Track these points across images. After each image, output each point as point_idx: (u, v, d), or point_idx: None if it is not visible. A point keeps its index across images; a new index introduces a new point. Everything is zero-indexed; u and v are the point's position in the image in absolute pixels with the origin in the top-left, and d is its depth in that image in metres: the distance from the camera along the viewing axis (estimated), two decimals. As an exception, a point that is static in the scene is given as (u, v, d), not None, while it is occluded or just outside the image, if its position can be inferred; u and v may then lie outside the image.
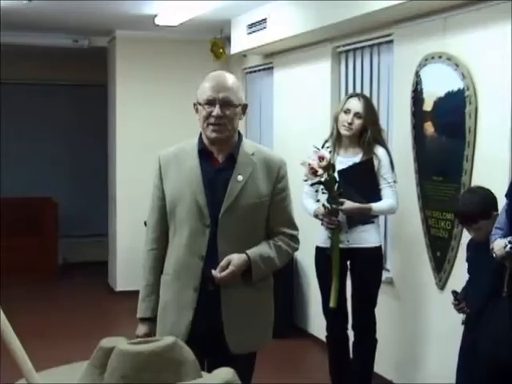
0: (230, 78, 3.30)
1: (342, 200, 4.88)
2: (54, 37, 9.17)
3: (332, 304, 4.99)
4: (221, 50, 8.51)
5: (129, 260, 9.02)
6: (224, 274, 3.16)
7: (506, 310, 3.65)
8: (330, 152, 4.90)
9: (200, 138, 3.35)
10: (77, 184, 11.26)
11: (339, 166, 5.00)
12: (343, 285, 5.16)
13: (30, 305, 8.26)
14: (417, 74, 5.27)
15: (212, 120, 3.22)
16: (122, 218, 9.14)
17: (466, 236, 4.67)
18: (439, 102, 5.06)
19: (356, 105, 5.03)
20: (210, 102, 3.22)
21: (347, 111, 5.03)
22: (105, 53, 9.74)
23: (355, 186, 4.95)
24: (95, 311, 8.41)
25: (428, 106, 5.17)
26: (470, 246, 4.23)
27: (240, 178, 3.25)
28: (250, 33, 7.46)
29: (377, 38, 5.99)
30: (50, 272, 10.01)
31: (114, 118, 9.26)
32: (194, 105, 3.32)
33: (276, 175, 3.32)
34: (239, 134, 3.38)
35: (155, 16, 7.64)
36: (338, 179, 4.90)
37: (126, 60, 9.09)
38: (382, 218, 6.01)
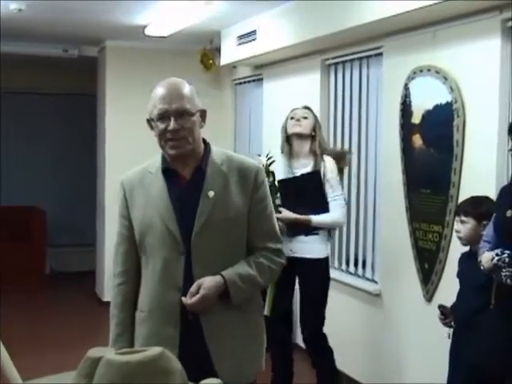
0: (181, 84, 2.96)
1: (280, 209, 4.97)
2: (43, 46, 9.15)
3: (266, 312, 5.04)
4: (210, 61, 8.52)
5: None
6: (194, 299, 2.81)
7: (494, 322, 3.67)
8: (272, 162, 5.04)
9: (163, 157, 3.03)
10: (65, 193, 11.24)
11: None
12: (290, 295, 5.25)
13: (16, 314, 8.22)
14: (405, 87, 5.29)
15: (169, 135, 2.89)
16: (110, 228, 9.11)
17: (455, 249, 4.69)
18: (427, 115, 5.09)
19: (301, 111, 5.24)
20: (163, 116, 2.89)
21: (293, 115, 5.22)
22: (95, 62, 9.74)
23: (301, 197, 5.01)
24: (82, 321, 8.38)
25: (416, 118, 5.20)
26: (462, 260, 4.25)
27: (211, 193, 2.90)
28: (240, 44, 7.47)
29: (366, 50, 6.01)
30: (37, 281, 9.98)
31: (103, 128, 9.26)
32: (148, 121, 3.00)
33: (253, 183, 2.96)
34: (206, 143, 3.04)
35: (145, 26, 7.65)
36: (279, 188, 5.02)
37: (116, 70, 9.09)
38: (370, 230, 6.04)
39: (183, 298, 2.84)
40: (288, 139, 5.24)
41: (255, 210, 2.97)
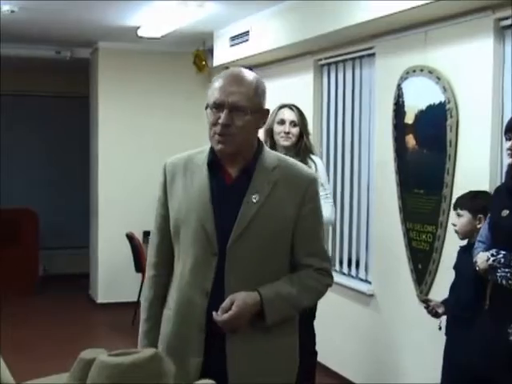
0: (247, 77, 2.69)
1: None
2: (36, 48, 9.15)
3: None
4: (203, 63, 8.52)
5: (110, 272, 9.01)
6: (224, 316, 2.56)
7: (487, 322, 3.67)
8: None
9: (212, 148, 2.75)
10: (59, 195, 11.21)
11: None
12: None
13: (10, 317, 8.19)
14: (398, 87, 5.30)
15: (218, 129, 2.62)
16: (103, 230, 9.12)
17: (449, 249, 4.70)
18: (420, 115, 5.09)
19: (290, 114, 5.04)
20: (218, 106, 2.63)
21: (281, 122, 5.02)
22: (87, 64, 9.73)
23: None
24: (76, 323, 8.36)
25: (409, 118, 5.20)
26: (460, 253, 4.25)
27: (256, 197, 2.65)
28: (233, 45, 7.48)
29: (359, 51, 6.01)
30: (31, 283, 9.96)
31: (96, 129, 9.25)
32: (206, 108, 2.71)
33: (303, 195, 2.69)
34: (260, 142, 2.79)
35: (138, 28, 7.65)
36: None
37: (109, 71, 9.08)
38: (363, 230, 6.04)
39: (214, 313, 2.58)
40: (272, 138, 5.07)
41: (303, 224, 2.70)
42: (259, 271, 2.66)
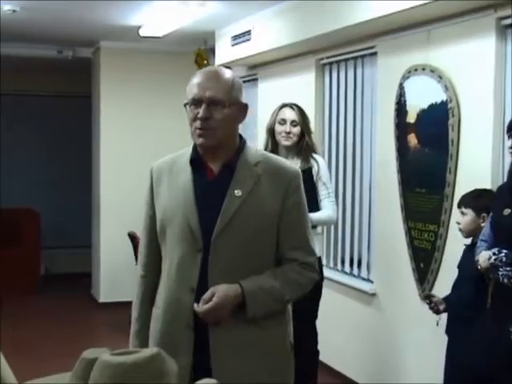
0: (223, 73, 2.75)
1: None
2: (38, 47, 9.15)
3: None
4: (205, 62, 8.51)
5: (112, 271, 9.01)
6: (205, 307, 2.59)
7: (488, 321, 3.67)
8: None
9: (194, 146, 2.80)
10: (60, 195, 11.22)
11: None
12: None
13: (12, 317, 8.20)
14: (400, 86, 5.29)
15: (198, 123, 2.68)
16: (105, 230, 9.12)
17: (451, 248, 4.69)
18: (422, 114, 5.08)
19: (291, 114, 5.05)
20: (196, 102, 2.69)
21: (282, 121, 5.03)
22: (89, 63, 9.73)
23: None
24: (78, 322, 8.36)
25: (411, 117, 5.19)
26: (465, 251, 4.25)
27: (238, 192, 2.68)
28: (234, 44, 7.47)
29: (360, 50, 6.01)
30: (32, 283, 9.95)
31: (98, 129, 9.25)
32: (185, 106, 2.76)
33: (286, 189, 2.73)
34: (241, 138, 2.83)
35: (140, 27, 7.64)
36: None
37: (110, 71, 9.08)
38: (365, 229, 6.04)
39: (195, 305, 2.62)
40: (273, 137, 5.10)
41: (286, 218, 2.73)
42: (243, 266, 2.69)
